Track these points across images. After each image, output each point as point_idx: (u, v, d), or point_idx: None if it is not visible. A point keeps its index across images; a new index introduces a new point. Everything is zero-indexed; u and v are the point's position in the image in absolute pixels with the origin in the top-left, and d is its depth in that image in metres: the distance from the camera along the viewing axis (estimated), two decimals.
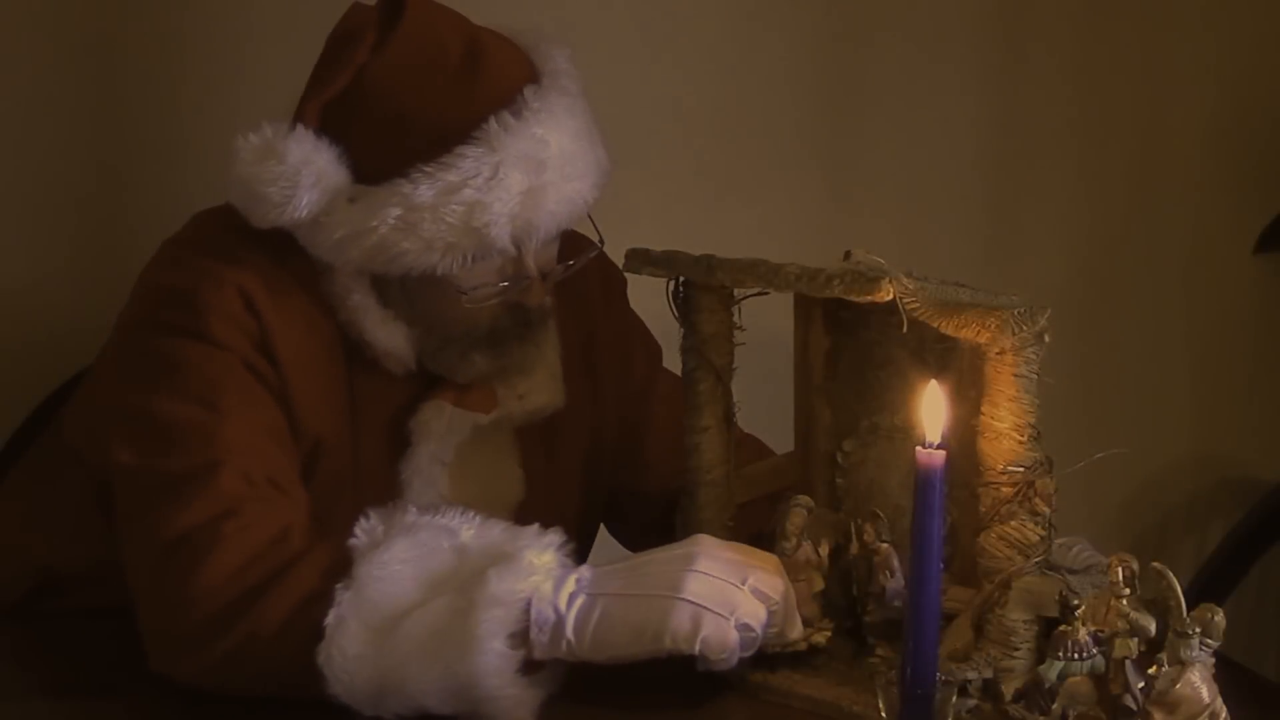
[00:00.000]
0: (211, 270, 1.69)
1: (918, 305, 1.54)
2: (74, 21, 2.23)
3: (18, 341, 2.24)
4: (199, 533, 1.57)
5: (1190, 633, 1.40)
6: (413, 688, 1.52)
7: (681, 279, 1.73)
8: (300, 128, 1.69)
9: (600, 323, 1.95)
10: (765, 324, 1.76)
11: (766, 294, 1.68)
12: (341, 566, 1.55)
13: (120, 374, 1.72)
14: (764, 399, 1.84)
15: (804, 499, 1.70)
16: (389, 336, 1.75)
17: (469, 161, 1.65)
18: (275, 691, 1.57)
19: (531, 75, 1.72)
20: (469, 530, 1.59)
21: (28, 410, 2.12)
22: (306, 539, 1.60)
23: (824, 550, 1.67)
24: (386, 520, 1.59)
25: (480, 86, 1.68)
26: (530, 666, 1.54)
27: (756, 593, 1.56)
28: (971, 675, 1.52)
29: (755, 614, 1.54)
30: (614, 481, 1.97)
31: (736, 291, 1.74)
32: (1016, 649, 1.53)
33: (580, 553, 1.83)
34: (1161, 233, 2.84)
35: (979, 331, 1.52)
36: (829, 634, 1.64)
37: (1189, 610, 1.41)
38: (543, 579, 1.54)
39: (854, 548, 1.67)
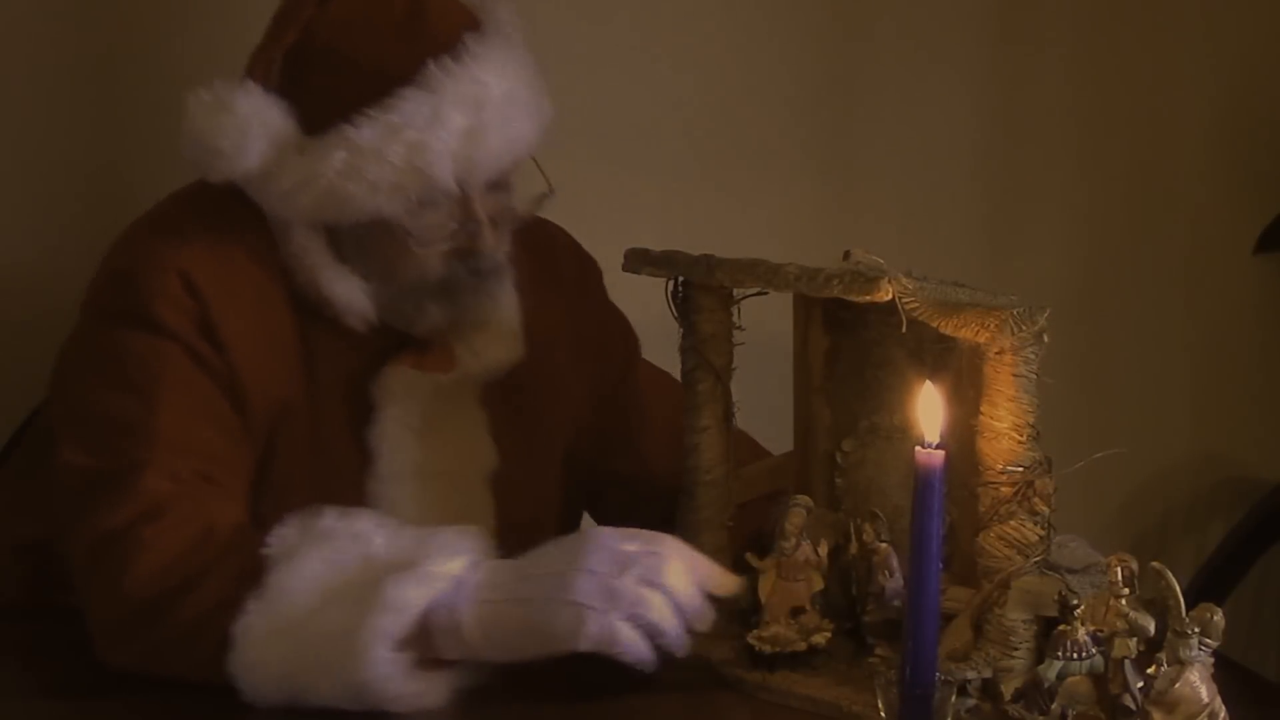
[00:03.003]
0: (153, 253, 1.74)
1: (917, 305, 1.54)
2: (75, 22, 2.24)
3: (18, 341, 2.24)
4: (121, 536, 1.61)
5: (1189, 632, 1.40)
6: (314, 695, 1.56)
7: (681, 279, 1.73)
8: (250, 83, 1.74)
9: (575, 307, 1.97)
10: (765, 324, 1.76)
11: (766, 294, 1.68)
12: (255, 574, 1.57)
13: (69, 363, 1.78)
14: (764, 399, 1.84)
15: (803, 499, 1.70)
16: (347, 291, 1.77)
17: (409, 104, 1.70)
18: (199, 683, 1.60)
19: (473, 24, 1.77)
20: (380, 539, 1.61)
21: (27, 410, 2.12)
22: (228, 536, 1.63)
23: (823, 550, 1.67)
24: (302, 527, 1.61)
25: (422, 33, 1.73)
26: (438, 663, 1.57)
27: (643, 582, 1.56)
28: (971, 675, 1.52)
29: (643, 602, 1.55)
30: (591, 464, 1.99)
31: (736, 291, 1.74)
32: (1015, 649, 1.53)
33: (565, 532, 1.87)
34: (1161, 233, 2.84)
35: (978, 331, 1.52)
36: (828, 634, 1.64)
37: (1188, 610, 1.41)
38: (444, 586, 1.56)
39: (853, 547, 1.67)
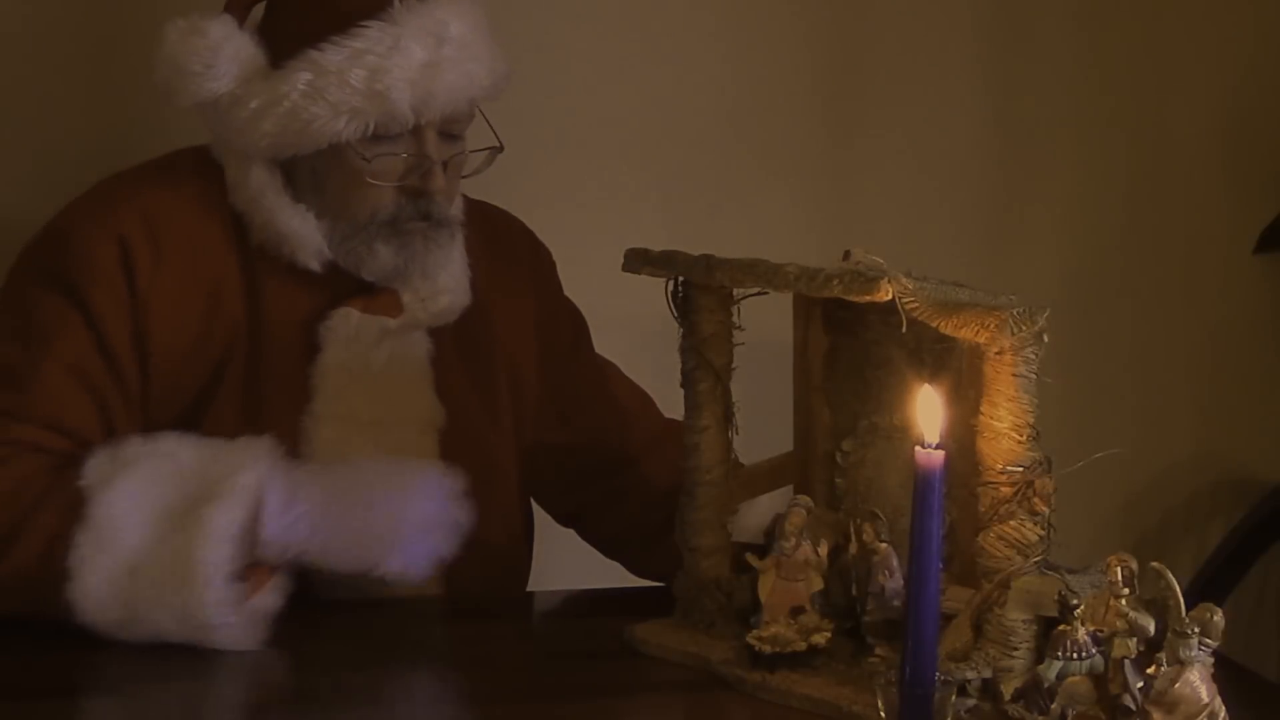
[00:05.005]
0: (94, 218, 1.86)
1: (917, 305, 1.54)
2: (76, 19, 2.24)
3: None
4: None
5: (1189, 632, 1.40)
6: (150, 620, 1.68)
7: (681, 279, 1.73)
8: (226, 16, 1.87)
9: (526, 285, 2.06)
10: (765, 324, 1.76)
11: (766, 294, 1.68)
12: (77, 507, 1.69)
13: None
14: (764, 399, 1.84)
15: (803, 499, 1.70)
16: (302, 227, 1.86)
17: (373, 32, 1.81)
18: (46, 617, 1.70)
19: None
20: (186, 454, 1.73)
21: None
22: (44, 481, 1.72)
23: (823, 550, 1.67)
24: (111, 456, 1.73)
25: None
26: (256, 578, 1.72)
27: None
28: (971, 675, 1.52)
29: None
30: (536, 437, 2.05)
31: (736, 291, 1.74)
32: (1015, 649, 1.53)
33: (524, 494, 2.04)
34: (1161, 233, 2.84)
35: (978, 331, 1.52)
36: (828, 634, 1.64)
37: (1188, 610, 1.41)
38: (250, 497, 1.70)
39: (853, 547, 1.67)
